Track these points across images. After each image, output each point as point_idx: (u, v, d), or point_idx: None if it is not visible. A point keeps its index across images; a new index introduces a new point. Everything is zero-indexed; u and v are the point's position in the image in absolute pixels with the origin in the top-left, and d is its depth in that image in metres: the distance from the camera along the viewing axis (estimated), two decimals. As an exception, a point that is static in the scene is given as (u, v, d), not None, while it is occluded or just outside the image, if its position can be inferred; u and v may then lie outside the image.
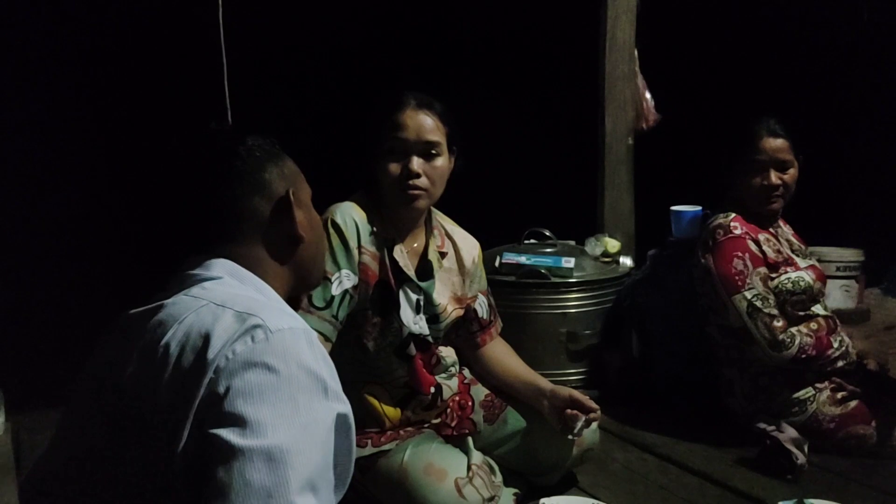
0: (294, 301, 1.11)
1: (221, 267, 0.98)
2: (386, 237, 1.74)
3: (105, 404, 0.89)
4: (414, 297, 1.77)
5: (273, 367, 0.82)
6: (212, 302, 0.90)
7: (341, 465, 0.89)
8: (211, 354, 0.82)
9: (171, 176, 1.07)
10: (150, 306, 0.94)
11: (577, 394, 1.80)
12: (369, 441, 1.72)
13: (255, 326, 0.85)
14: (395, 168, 1.68)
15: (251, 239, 1.03)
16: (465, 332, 1.96)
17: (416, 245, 1.82)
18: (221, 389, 0.80)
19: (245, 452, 0.76)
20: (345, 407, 0.88)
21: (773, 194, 2.20)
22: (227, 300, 0.90)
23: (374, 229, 1.73)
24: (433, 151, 1.70)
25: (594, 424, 1.86)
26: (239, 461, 0.76)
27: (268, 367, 0.82)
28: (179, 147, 1.08)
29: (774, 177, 2.18)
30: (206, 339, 0.84)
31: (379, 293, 1.72)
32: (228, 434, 0.77)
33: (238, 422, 0.78)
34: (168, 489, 0.81)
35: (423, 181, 1.69)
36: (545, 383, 1.87)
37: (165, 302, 0.92)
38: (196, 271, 0.98)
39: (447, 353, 1.90)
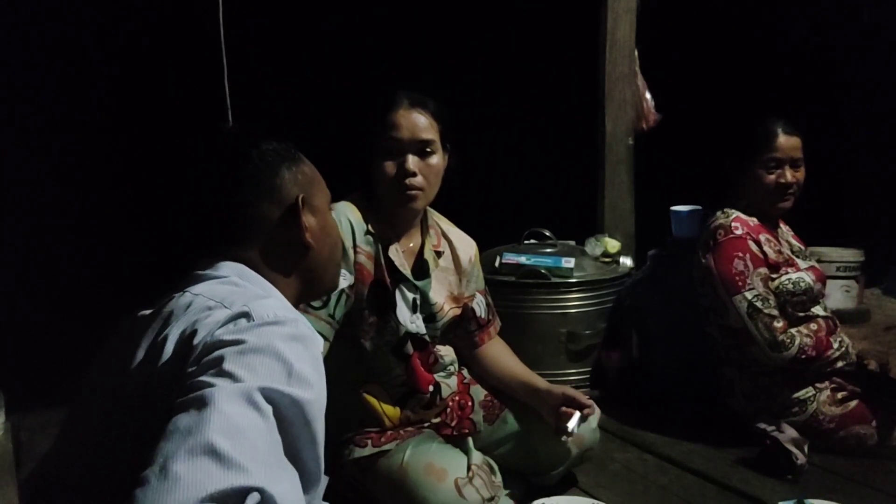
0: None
1: (230, 268, 0.99)
2: (382, 237, 1.75)
3: (109, 404, 0.90)
4: (410, 296, 1.77)
5: (242, 341, 0.81)
6: (212, 299, 0.90)
7: (306, 455, 0.85)
8: (196, 341, 0.83)
9: (181, 177, 1.06)
10: (155, 308, 0.94)
11: (571, 391, 1.81)
12: (369, 441, 1.72)
13: (242, 314, 0.85)
14: (390, 168, 1.69)
15: (259, 243, 1.03)
16: (463, 332, 1.96)
17: (412, 244, 1.83)
18: (193, 368, 0.80)
19: (183, 403, 0.76)
20: (307, 394, 0.82)
21: (788, 192, 2.21)
22: (227, 297, 0.90)
23: (370, 229, 1.73)
24: (428, 150, 1.70)
25: (594, 423, 1.87)
26: (175, 413, 0.75)
27: (237, 342, 0.81)
28: (192, 148, 1.08)
29: (790, 174, 2.20)
30: (196, 330, 0.84)
31: (375, 292, 1.72)
32: (178, 400, 0.77)
33: (194, 388, 0.78)
34: None
35: (418, 180, 1.69)
36: (542, 383, 1.87)
37: (170, 302, 0.93)
38: (205, 272, 0.98)
39: (445, 352, 1.90)
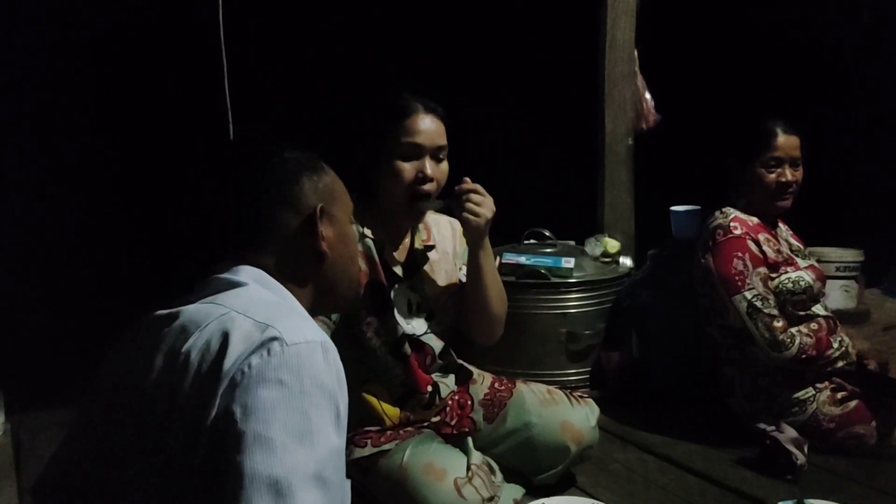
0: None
1: (248, 273, 0.99)
2: (376, 238, 1.74)
3: (122, 406, 0.89)
4: (407, 296, 1.77)
5: (286, 383, 0.82)
6: (233, 310, 0.89)
7: None
8: (227, 365, 0.82)
9: (203, 181, 1.08)
10: (173, 310, 0.93)
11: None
12: (369, 441, 1.73)
13: (272, 339, 0.84)
14: (409, 173, 1.67)
15: (277, 250, 1.03)
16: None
17: (404, 241, 1.83)
18: (236, 406, 0.80)
19: (255, 477, 0.76)
20: (346, 411, 0.88)
21: (788, 191, 2.22)
22: (249, 308, 0.90)
23: (365, 232, 1.73)
24: (441, 155, 1.71)
25: (593, 421, 1.89)
26: (247, 487, 0.76)
27: (280, 383, 0.81)
28: (215, 154, 1.09)
29: (790, 173, 2.20)
30: (224, 348, 0.84)
31: (371, 293, 1.72)
32: (240, 455, 0.77)
33: (249, 441, 0.78)
34: (181, 494, 0.81)
35: (434, 185, 1.70)
36: None
37: (189, 307, 0.92)
38: (223, 276, 0.98)
39: (436, 344, 1.87)
